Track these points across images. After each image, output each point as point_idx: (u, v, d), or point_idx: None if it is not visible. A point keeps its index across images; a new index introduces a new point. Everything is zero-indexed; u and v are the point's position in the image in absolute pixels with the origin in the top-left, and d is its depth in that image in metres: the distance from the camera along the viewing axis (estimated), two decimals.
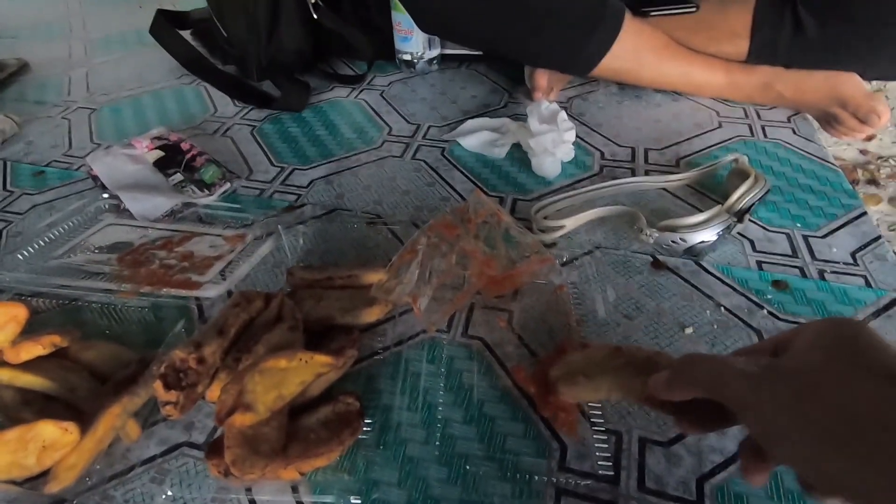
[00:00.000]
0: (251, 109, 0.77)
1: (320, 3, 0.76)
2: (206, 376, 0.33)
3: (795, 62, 0.65)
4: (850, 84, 0.64)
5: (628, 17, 0.63)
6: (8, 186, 0.64)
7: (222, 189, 0.60)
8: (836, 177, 0.58)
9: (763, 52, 0.65)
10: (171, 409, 0.32)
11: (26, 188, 0.63)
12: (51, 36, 1.08)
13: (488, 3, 0.62)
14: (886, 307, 0.43)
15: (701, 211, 0.49)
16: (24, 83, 0.89)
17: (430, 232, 0.46)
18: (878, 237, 0.50)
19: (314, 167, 0.64)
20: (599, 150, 0.64)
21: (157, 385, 0.32)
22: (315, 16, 0.75)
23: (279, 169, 0.64)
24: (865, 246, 0.49)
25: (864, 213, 0.52)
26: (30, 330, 0.42)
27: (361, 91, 0.79)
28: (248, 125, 0.73)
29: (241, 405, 0.31)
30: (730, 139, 0.64)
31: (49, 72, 0.93)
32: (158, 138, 0.66)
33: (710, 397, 0.24)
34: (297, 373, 0.35)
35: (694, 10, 0.65)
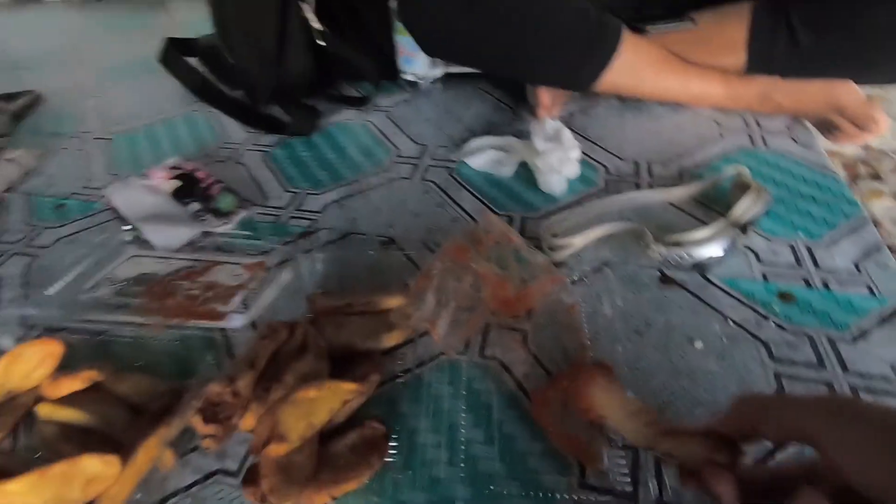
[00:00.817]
0: (261, 135, 0.79)
1: (326, 29, 0.78)
2: (241, 408, 0.35)
3: (792, 72, 0.66)
4: (847, 92, 0.65)
5: (626, 33, 0.65)
6: (31, 221, 0.66)
7: (239, 217, 0.62)
8: (836, 185, 0.59)
9: (760, 63, 0.67)
10: (210, 441, 0.33)
11: (49, 221, 0.65)
12: (61, 66, 1.11)
13: (490, 27, 0.63)
14: (891, 315, 0.45)
15: (706, 224, 0.51)
16: (40, 115, 0.92)
17: (444, 257, 0.47)
18: (879, 246, 0.51)
19: (326, 191, 0.66)
20: (603, 165, 0.65)
21: (197, 420, 0.33)
22: (321, 43, 0.77)
23: (292, 194, 0.66)
24: (867, 254, 0.50)
25: (866, 221, 0.54)
26: (62, 364, 0.45)
27: (368, 113, 0.81)
28: (260, 151, 0.75)
29: (275, 436, 0.33)
30: (731, 149, 0.66)
31: (62, 102, 0.95)
32: (174, 168, 0.68)
33: (782, 430, 0.26)
34: (325, 401, 0.36)
35: (691, 25, 0.67)
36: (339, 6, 0.84)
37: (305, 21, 0.77)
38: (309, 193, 0.66)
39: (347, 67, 0.83)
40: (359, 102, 0.83)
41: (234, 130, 0.81)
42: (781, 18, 0.64)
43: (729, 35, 0.66)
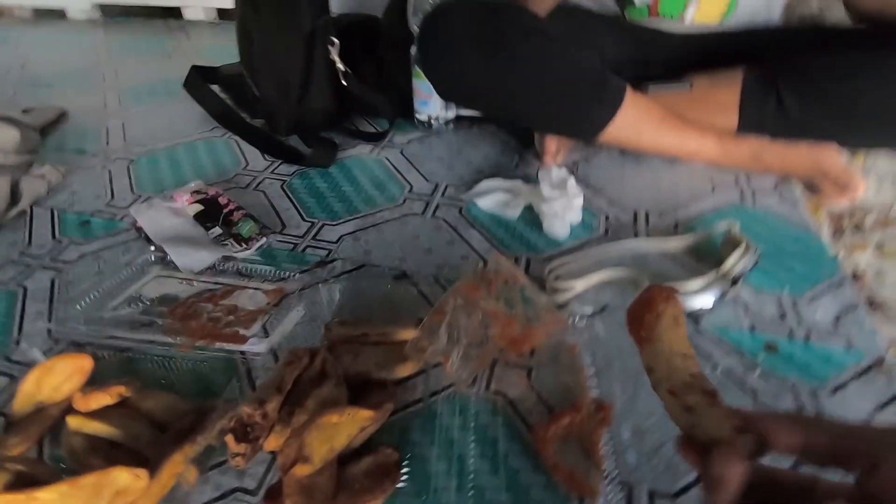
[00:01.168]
0: (280, 164, 0.83)
1: (349, 70, 0.83)
2: (267, 429, 0.38)
3: (780, 135, 0.72)
4: (830, 156, 0.71)
5: (629, 91, 0.70)
6: (57, 235, 0.69)
7: (259, 244, 0.65)
8: (818, 244, 0.64)
9: (751, 125, 0.72)
10: (240, 459, 0.36)
11: (74, 238, 0.68)
12: (84, 85, 1.15)
13: (504, 79, 0.68)
14: (865, 371, 0.49)
15: (698, 276, 0.55)
16: (64, 132, 0.95)
17: (457, 294, 0.51)
18: (856, 304, 0.55)
19: (342, 223, 0.69)
20: (604, 213, 0.70)
21: (229, 438, 0.36)
22: (344, 83, 0.82)
23: (310, 224, 0.69)
24: (846, 312, 0.55)
25: (844, 280, 0.58)
26: (89, 379, 0.47)
27: (383, 148, 0.86)
28: (279, 179, 0.79)
29: (300, 457, 0.35)
30: (723, 205, 0.71)
31: (86, 121, 0.99)
32: (197, 192, 0.71)
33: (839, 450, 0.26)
34: (345, 427, 0.39)
35: (688, 87, 0.73)
36: (362, 49, 0.90)
37: (331, 61, 0.81)
38: (325, 224, 0.69)
39: (365, 104, 0.87)
40: (375, 138, 0.88)
41: (254, 158, 0.85)
42: (770, 86, 0.70)
43: (722, 98, 0.72)
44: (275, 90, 0.85)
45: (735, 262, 0.56)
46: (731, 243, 0.59)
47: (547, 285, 0.57)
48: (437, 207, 0.72)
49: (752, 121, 0.71)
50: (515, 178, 0.74)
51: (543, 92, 0.69)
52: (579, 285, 0.57)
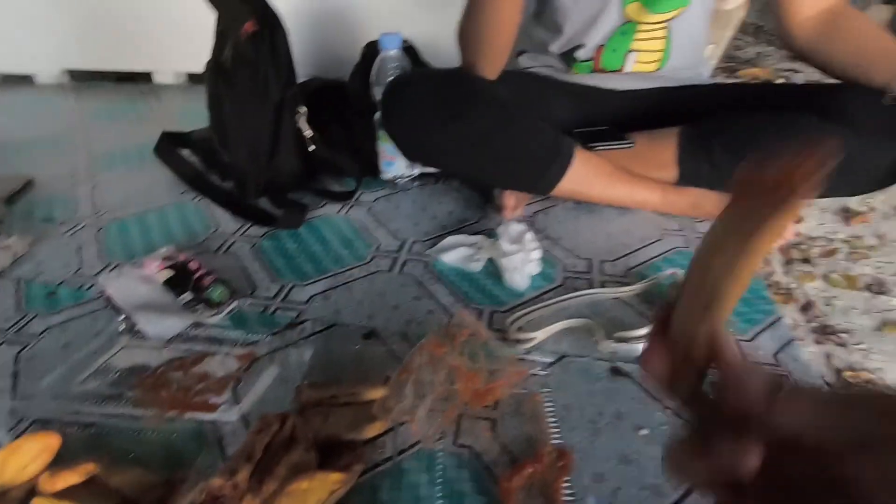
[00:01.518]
0: (251, 226, 0.85)
1: (316, 135, 0.87)
2: (238, 500, 0.39)
3: (715, 186, 0.79)
4: None
5: (578, 149, 0.76)
6: (21, 307, 0.69)
7: (229, 308, 0.67)
8: (756, 285, 0.69)
9: (689, 178, 0.79)
10: None
11: (39, 309, 0.68)
12: (54, 151, 1.16)
13: (461, 145, 0.74)
14: None
15: (648, 322, 0.59)
16: (32, 200, 0.96)
17: (422, 351, 0.53)
18: (791, 340, 0.60)
19: (312, 283, 0.71)
20: (562, 262, 0.74)
21: None
22: (312, 147, 0.86)
23: (280, 285, 0.71)
24: (783, 347, 0.59)
25: (780, 319, 0.63)
26: (56, 457, 0.47)
27: (351, 207, 0.89)
28: (249, 241, 0.81)
29: None
30: (669, 250, 0.76)
31: (55, 188, 1.00)
32: (168, 258, 0.73)
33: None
34: (315, 492, 0.40)
35: (630, 145, 0.79)
36: (330, 113, 0.95)
37: (298, 128, 0.86)
38: (296, 285, 0.71)
39: (333, 165, 0.92)
40: (342, 197, 0.91)
41: (225, 221, 0.87)
42: (702, 143, 0.77)
43: (661, 155, 0.79)
44: (245, 155, 0.88)
45: None
46: (677, 288, 0.64)
47: (509, 337, 0.60)
48: (403, 264, 0.75)
49: (689, 175, 0.78)
50: (478, 233, 0.78)
51: (499, 154, 0.75)
52: (540, 335, 0.60)
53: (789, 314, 0.66)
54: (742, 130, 0.76)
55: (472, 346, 0.55)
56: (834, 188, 0.75)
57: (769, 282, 0.73)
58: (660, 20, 0.81)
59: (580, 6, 0.81)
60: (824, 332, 0.69)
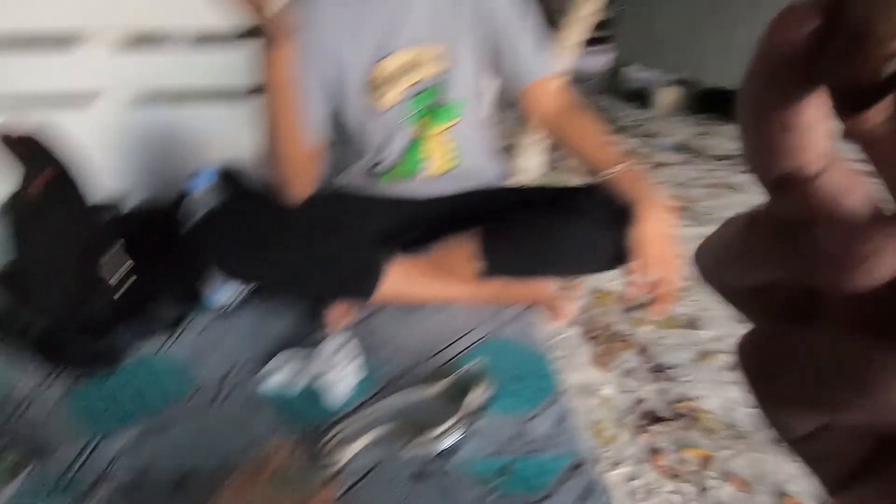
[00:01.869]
0: (62, 371, 0.80)
1: (137, 264, 0.87)
2: None
3: (509, 277, 0.93)
4: (541, 289, 0.94)
5: (391, 257, 0.86)
6: None
7: (24, 474, 0.62)
8: (543, 364, 0.82)
9: (486, 273, 0.92)
10: None
11: None
12: None
13: (277, 271, 0.80)
14: (572, 469, 0.63)
15: (447, 418, 0.67)
16: None
17: (230, 489, 0.55)
18: (568, 414, 0.72)
19: (123, 432, 0.69)
20: (384, 367, 0.81)
21: None
22: (132, 278, 0.86)
23: (85, 441, 0.68)
24: (559, 422, 0.70)
25: (559, 394, 0.75)
26: None
27: (178, 336, 0.88)
28: (57, 392, 0.76)
29: None
30: (477, 341, 0.87)
31: None
32: None
33: None
34: None
35: (429, 255, 0.91)
36: (151, 243, 0.95)
37: (108, 270, 0.85)
38: (106, 435, 0.68)
39: (155, 299, 0.91)
40: (171, 326, 0.90)
41: (30, 372, 0.81)
42: (492, 244, 0.91)
43: (460, 258, 0.91)
44: (53, 296, 0.84)
45: (474, 398, 0.69)
46: (474, 380, 0.73)
47: (321, 457, 0.64)
48: (226, 397, 0.76)
49: (485, 271, 0.92)
50: (309, 346, 0.82)
51: (316, 275, 0.82)
52: (353, 448, 0.64)
53: (630, 359, 0.79)
54: (516, 233, 0.91)
55: (281, 475, 0.58)
56: (568, 269, 0.93)
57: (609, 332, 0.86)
58: (440, 131, 0.95)
59: (374, 133, 0.94)
60: (656, 371, 0.84)
